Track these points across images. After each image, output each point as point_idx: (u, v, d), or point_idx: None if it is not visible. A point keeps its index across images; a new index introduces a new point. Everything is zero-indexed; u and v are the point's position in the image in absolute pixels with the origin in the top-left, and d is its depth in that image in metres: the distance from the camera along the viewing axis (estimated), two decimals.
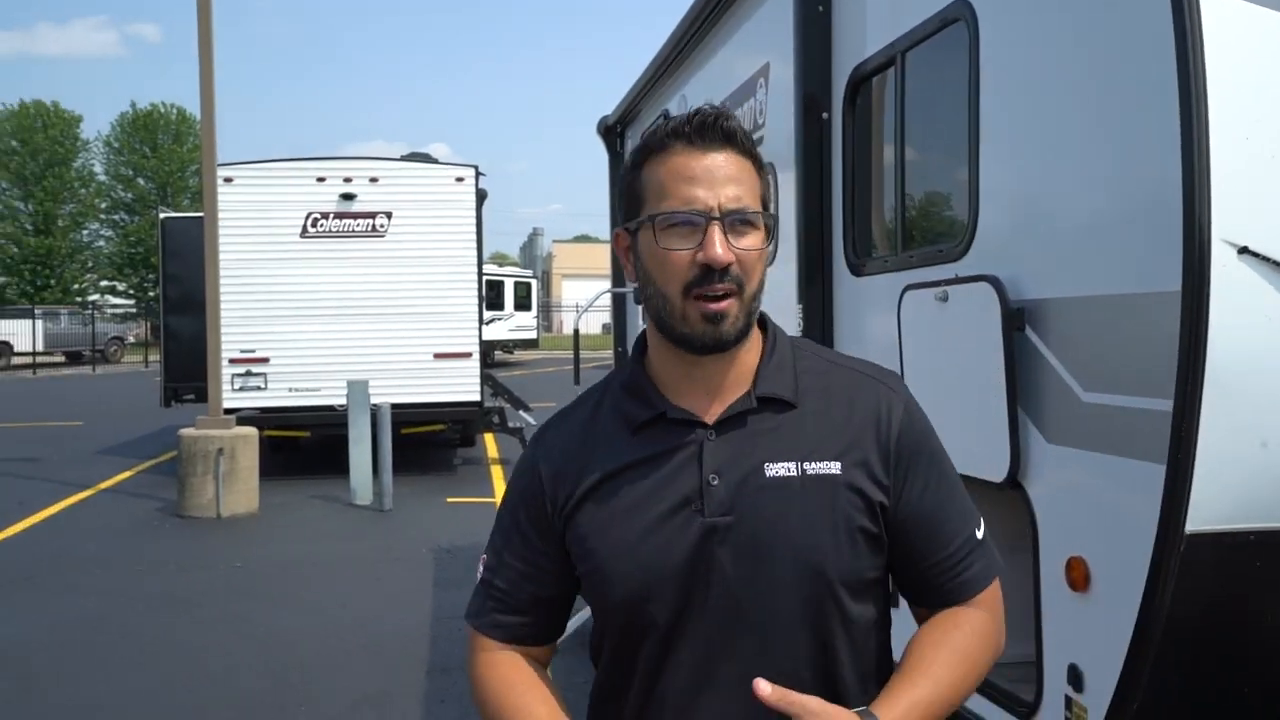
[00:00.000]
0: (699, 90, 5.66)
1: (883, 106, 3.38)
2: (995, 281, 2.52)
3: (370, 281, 11.85)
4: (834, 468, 1.37)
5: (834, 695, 1.32)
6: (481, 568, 1.50)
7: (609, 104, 7.55)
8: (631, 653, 1.40)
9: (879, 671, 1.41)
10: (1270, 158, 1.98)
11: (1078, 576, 2.30)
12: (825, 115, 3.68)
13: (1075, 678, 2.32)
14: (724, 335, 1.34)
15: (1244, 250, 1.94)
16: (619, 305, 7.68)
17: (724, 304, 1.32)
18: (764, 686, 1.23)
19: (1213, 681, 2.19)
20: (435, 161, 13.14)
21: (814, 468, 1.36)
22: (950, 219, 2.95)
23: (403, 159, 13.15)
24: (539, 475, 1.44)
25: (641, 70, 6.64)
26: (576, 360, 7.07)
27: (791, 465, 1.36)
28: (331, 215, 11.97)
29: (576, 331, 7.18)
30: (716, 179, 1.33)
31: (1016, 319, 2.47)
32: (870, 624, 1.40)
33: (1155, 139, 2.05)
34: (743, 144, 1.36)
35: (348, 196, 11.97)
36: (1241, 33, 1.97)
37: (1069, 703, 2.34)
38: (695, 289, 1.32)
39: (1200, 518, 1.99)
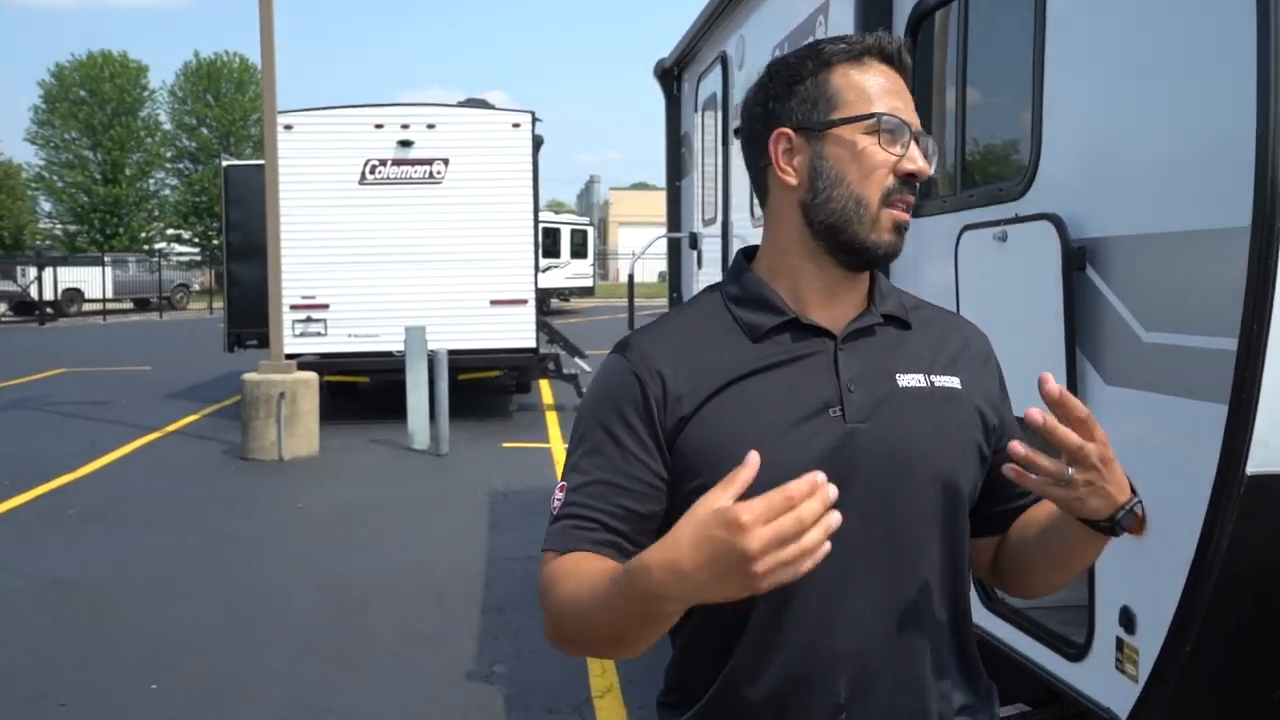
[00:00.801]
0: (758, 31, 5.57)
1: (944, 43, 3.29)
2: (1056, 220, 2.46)
3: (427, 228, 11.91)
4: (956, 383, 1.40)
5: (960, 607, 1.40)
6: (560, 495, 1.36)
7: (667, 48, 7.47)
8: None
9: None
10: None
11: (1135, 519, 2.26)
12: None
13: (1127, 620, 2.29)
14: (900, 247, 1.36)
15: None
16: (674, 252, 7.64)
17: (909, 217, 1.36)
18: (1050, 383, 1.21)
19: (1268, 624, 2.15)
20: (492, 108, 13.13)
21: (941, 381, 1.39)
22: (1011, 158, 2.88)
23: (459, 105, 13.15)
24: (642, 382, 1.34)
25: (699, 11, 6.54)
26: (631, 307, 7.07)
27: (921, 377, 1.38)
28: (389, 162, 12.03)
29: (631, 278, 7.18)
30: (908, 100, 1.37)
31: (1077, 258, 2.41)
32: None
33: (1228, 73, 1.98)
34: (909, 72, 1.40)
35: (405, 143, 12.02)
36: None
37: (1120, 644, 2.32)
38: (894, 196, 1.34)
39: (1262, 459, 1.95)
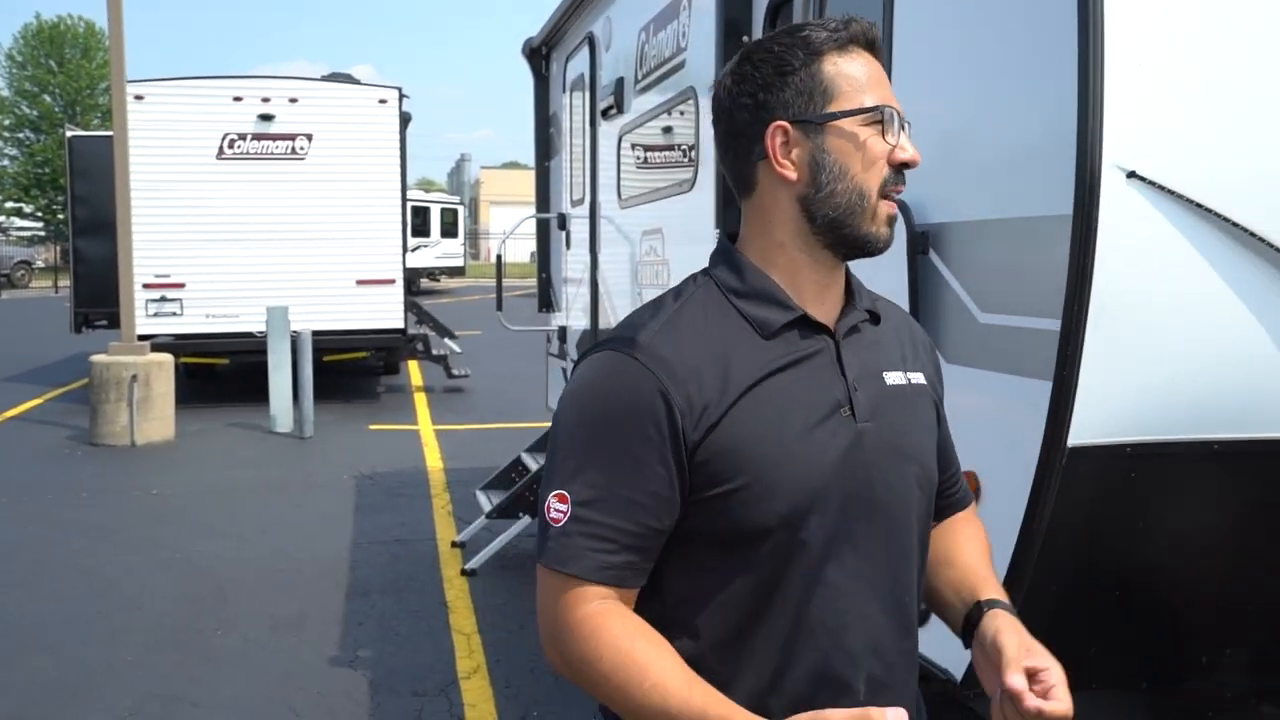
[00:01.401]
0: (625, 12, 5.59)
1: None
2: (902, 205, 2.56)
3: (290, 205, 11.59)
4: (922, 378, 1.46)
5: (916, 592, 1.44)
6: (563, 506, 1.27)
7: (538, 27, 7.42)
8: (778, 571, 1.30)
9: None
10: (1160, 86, 2.04)
11: (970, 489, 2.39)
12: (746, 38, 3.67)
13: None
14: (892, 239, 1.38)
15: (1132, 174, 2.01)
16: (543, 232, 7.63)
17: (896, 208, 1.38)
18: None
19: (1090, 585, 2.31)
20: (358, 83, 12.82)
21: (914, 378, 1.44)
22: None
23: (324, 79, 12.79)
24: (661, 389, 1.26)
25: None
26: (499, 287, 7.04)
27: (901, 374, 1.42)
28: (249, 136, 11.65)
29: (500, 259, 7.15)
30: (889, 88, 1.35)
31: (921, 242, 2.52)
32: None
33: (1053, 67, 2.09)
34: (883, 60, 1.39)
35: (266, 117, 11.65)
36: None
37: None
38: (888, 187, 1.34)
39: (1082, 432, 2.08)
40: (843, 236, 1.34)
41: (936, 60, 2.59)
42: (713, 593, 1.31)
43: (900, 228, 2.54)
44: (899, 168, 1.34)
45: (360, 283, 11.80)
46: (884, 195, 1.34)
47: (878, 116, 1.32)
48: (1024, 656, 1.30)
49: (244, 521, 7.12)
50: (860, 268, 2.83)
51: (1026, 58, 2.25)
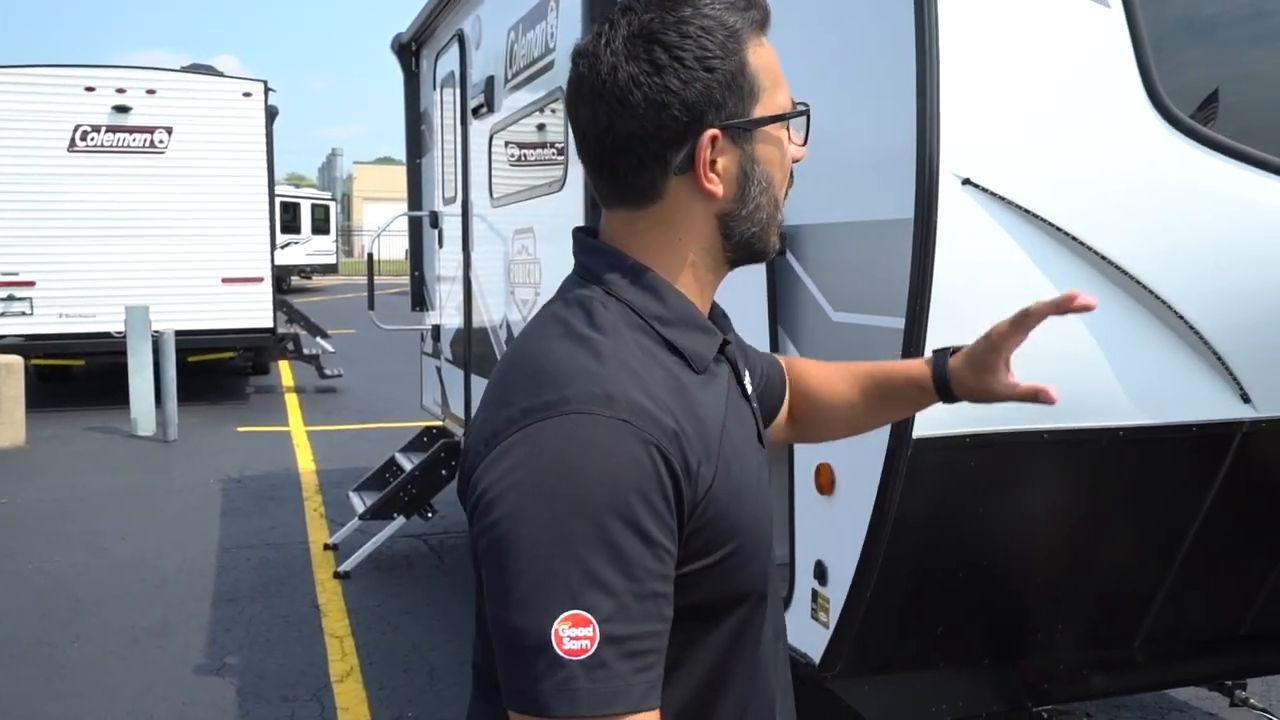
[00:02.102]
0: (494, 11, 5.59)
1: None
2: None
3: (150, 201, 11.18)
4: (749, 382, 1.32)
5: None
6: (585, 630, 0.94)
7: (409, 21, 7.33)
8: (740, 634, 1.13)
9: None
10: (991, 100, 2.17)
11: (824, 481, 2.51)
12: None
13: (820, 572, 2.54)
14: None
15: (966, 181, 2.14)
16: (415, 230, 7.55)
17: None
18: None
19: (936, 568, 2.45)
20: (220, 74, 12.43)
21: (749, 383, 1.30)
22: None
23: (184, 70, 12.35)
24: (665, 454, 1.00)
25: None
26: (371, 285, 6.95)
27: (750, 385, 1.29)
28: (104, 129, 11.18)
29: (371, 257, 7.05)
30: None
31: (779, 243, 2.62)
32: None
33: (893, 75, 2.21)
34: None
35: (122, 109, 11.21)
36: None
37: (815, 595, 2.56)
38: (787, 191, 1.21)
39: (925, 424, 2.21)
40: (754, 252, 1.19)
41: (789, 69, 2.69)
42: (674, 667, 1.06)
43: None
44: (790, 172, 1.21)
45: (226, 280, 11.47)
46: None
47: (806, 119, 1.19)
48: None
49: (103, 530, 6.85)
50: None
51: (871, 72, 2.37)
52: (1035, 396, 1.42)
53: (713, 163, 1.11)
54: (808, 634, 2.60)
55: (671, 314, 1.13)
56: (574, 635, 0.93)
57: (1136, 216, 2.27)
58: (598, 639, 0.94)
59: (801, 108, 1.18)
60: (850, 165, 2.45)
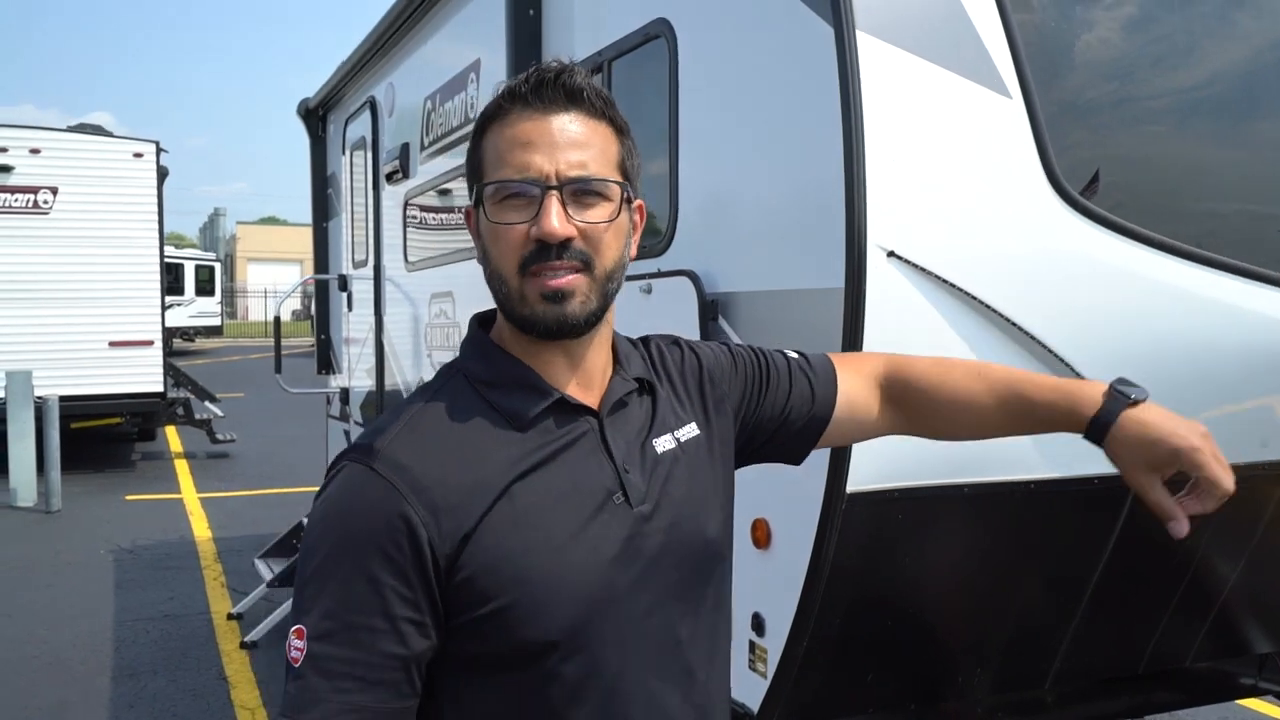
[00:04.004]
0: (408, 79, 5.69)
1: None
2: (693, 276, 2.81)
3: (32, 263, 10.83)
4: (695, 429, 1.37)
5: (722, 641, 1.40)
6: (300, 642, 1.12)
7: (299, 77, 7.38)
8: (571, 683, 1.19)
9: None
10: (912, 176, 2.37)
11: (761, 535, 2.63)
12: None
13: (758, 624, 2.64)
14: (570, 315, 1.21)
15: (891, 254, 2.32)
16: (322, 293, 7.51)
17: (566, 279, 1.20)
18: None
19: (866, 617, 2.58)
20: (109, 134, 12.16)
21: (685, 435, 1.35)
22: (653, 218, 3.23)
23: (71, 130, 12.05)
24: (406, 509, 1.13)
25: (346, 52, 6.54)
26: (278, 348, 6.87)
27: (669, 438, 1.33)
28: None
29: (277, 319, 6.97)
30: (557, 143, 1.20)
31: (711, 310, 2.76)
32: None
33: (822, 157, 2.39)
34: (592, 103, 1.23)
35: (3, 168, 10.86)
36: (892, 73, 2.34)
37: (752, 646, 2.66)
38: (532, 265, 1.20)
39: (858, 479, 2.36)
40: (514, 321, 1.24)
41: (720, 141, 2.86)
42: (503, 716, 1.19)
43: (692, 295, 2.80)
44: (541, 244, 1.19)
45: (114, 344, 11.12)
46: (530, 273, 1.20)
47: (501, 192, 1.20)
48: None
49: None
50: (655, 332, 3.05)
51: (801, 149, 2.55)
52: (1164, 517, 1.39)
53: (476, 234, 1.27)
54: (746, 684, 2.69)
55: (496, 375, 1.25)
56: (295, 647, 1.13)
57: (1040, 286, 2.48)
58: (305, 653, 1.11)
59: (487, 185, 1.22)
60: (781, 236, 2.61)
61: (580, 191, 1.21)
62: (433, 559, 1.13)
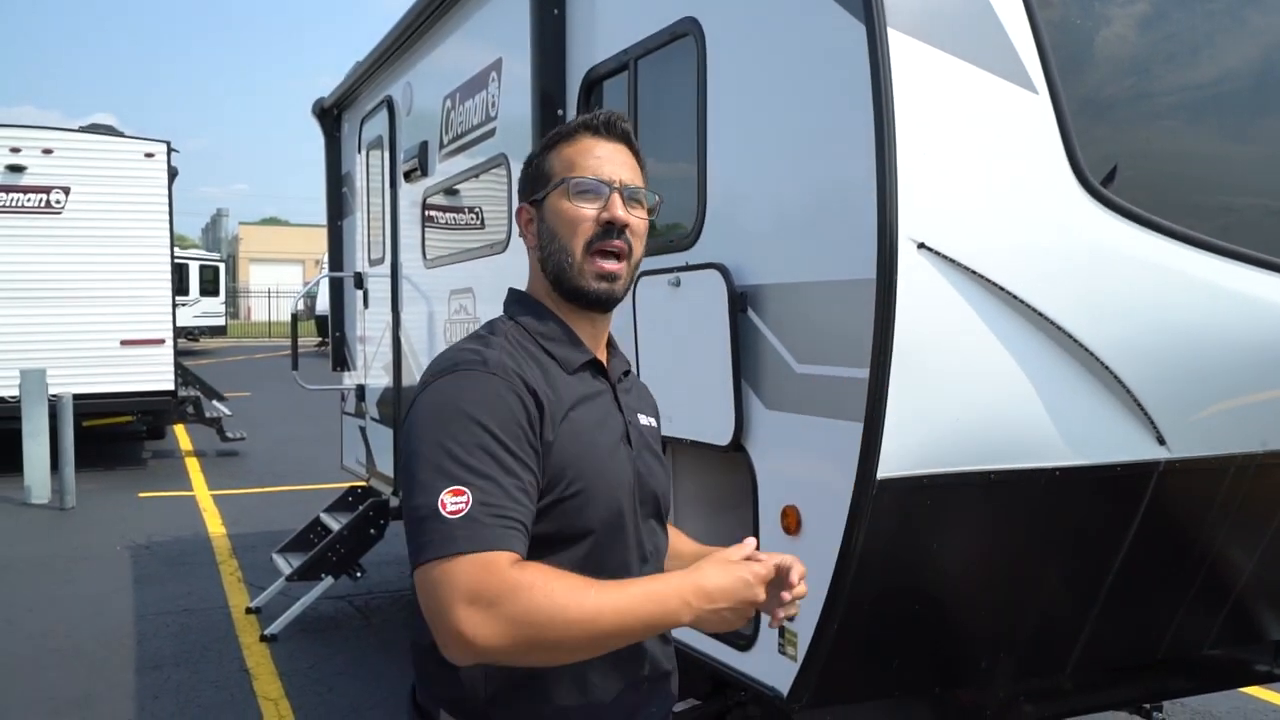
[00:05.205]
0: (426, 79, 5.75)
1: (617, 107, 3.66)
2: (722, 269, 2.87)
3: (46, 262, 10.88)
4: (655, 423, 1.81)
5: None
6: (460, 499, 1.39)
7: (300, 79, 7.44)
8: (587, 557, 1.54)
9: None
10: (941, 170, 2.42)
11: (791, 522, 2.69)
12: (560, 112, 3.92)
13: None
14: (615, 294, 1.63)
15: (921, 246, 2.38)
16: (336, 291, 7.57)
17: (617, 265, 1.63)
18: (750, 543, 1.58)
19: (893, 603, 2.64)
20: (120, 134, 12.22)
21: (654, 422, 1.80)
22: (681, 211, 3.28)
23: (82, 130, 12.11)
24: (526, 394, 1.49)
25: (348, 53, 6.60)
26: (295, 345, 6.93)
27: (649, 419, 1.77)
28: None
29: (294, 317, 7.04)
30: (616, 161, 1.65)
31: (740, 302, 2.82)
32: None
33: (853, 151, 2.45)
34: (634, 144, 1.70)
35: (15, 169, 10.93)
36: (922, 70, 2.40)
37: (781, 631, 2.72)
38: (597, 244, 1.60)
39: (888, 466, 2.41)
40: (565, 290, 1.63)
41: (749, 138, 2.92)
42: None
43: (721, 288, 2.86)
44: (606, 226, 1.61)
45: (125, 343, 11.19)
46: (591, 253, 1.61)
47: (568, 188, 1.61)
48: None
49: (5, 601, 6.59)
50: (685, 326, 3.11)
51: (831, 143, 2.60)
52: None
53: (530, 226, 1.67)
54: (776, 668, 2.75)
55: (548, 331, 1.64)
56: (454, 503, 1.39)
57: (1066, 278, 2.54)
58: (470, 504, 1.39)
59: (564, 183, 1.62)
60: (812, 228, 2.67)
61: (630, 196, 1.65)
62: (541, 439, 1.49)
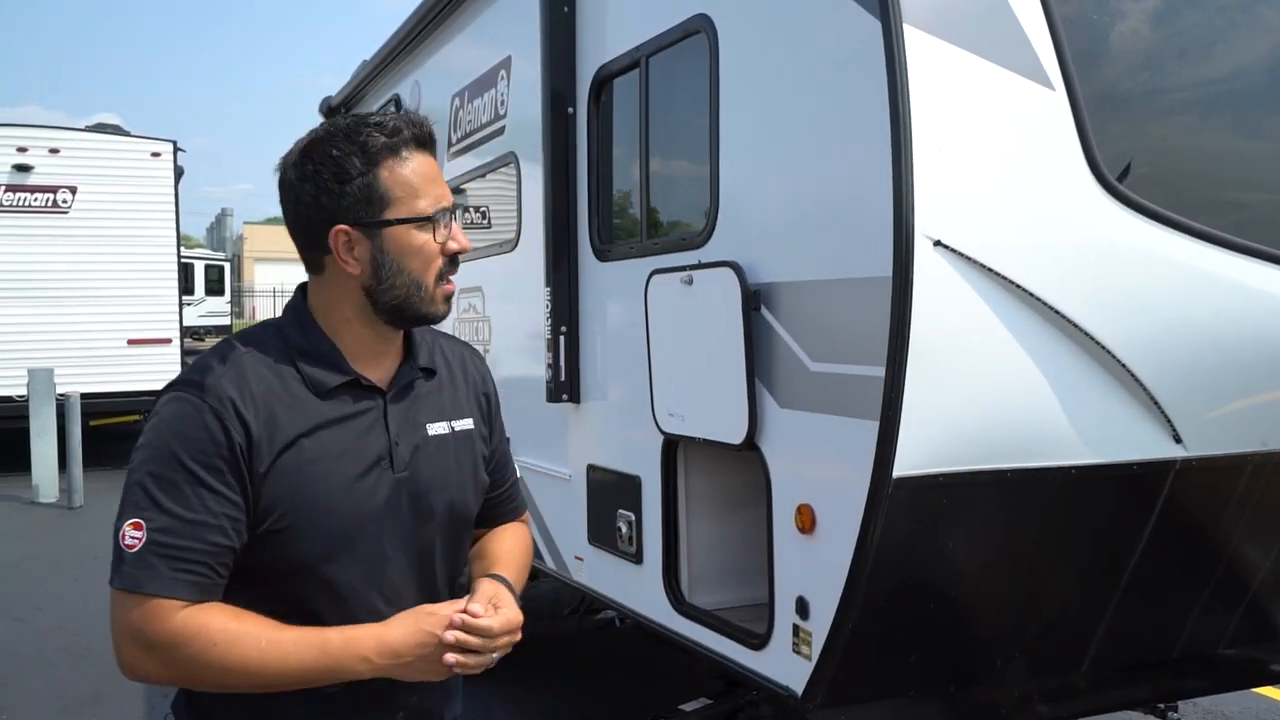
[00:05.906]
0: (434, 78, 5.74)
1: (628, 105, 3.66)
2: (736, 267, 2.86)
3: (53, 262, 10.90)
4: (469, 424, 1.71)
5: (450, 594, 1.68)
6: (138, 533, 1.42)
7: (301, 79, 7.43)
8: (317, 601, 1.52)
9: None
10: (958, 167, 2.41)
11: (805, 521, 2.68)
12: (571, 110, 3.91)
13: (802, 608, 2.69)
14: (449, 310, 1.62)
15: (938, 243, 2.36)
16: None
17: (453, 285, 1.62)
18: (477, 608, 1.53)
19: (909, 601, 2.63)
20: (127, 134, 12.23)
21: (458, 424, 1.69)
22: (693, 210, 3.27)
23: (89, 130, 12.13)
24: (224, 423, 1.45)
25: (350, 54, 6.60)
26: None
27: (444, 425, 1.66)
28: (3, 188, 10.89)
29: None
30: (440, 178, 1.58)
31: (754, 300, 2.81)
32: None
33: (869, 148, 2.43)
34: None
35: (22, 168, 10.93)
36: (938, 67, 2.39)
37: (796, 630, 2.71)
38: (445, 273, 1.57)
39: (904, 464, 2.40)
40: (406, 318, 1.58)
41: (762, 135, 2.91)
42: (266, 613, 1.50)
43: (734, 286, 2.84)
44: (453, 256, 1.57)
45: (132, 342, 11.21)
46: (441, 280, 1.57)
47: (432, 224, 1.54)
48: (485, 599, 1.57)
49: (14, 600, 6.59)
50: (698, 324, 3.09)
51: (847, 140, 2.59)
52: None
53: (351, 250, 1.53)
54: (790, 667, 2.74)
55: (310, 347, 1.56)
56: (131, 536, 1.42)
57: (1082, 274, 2.53)
58: (144, 541, 1.41)
59: (429, 218, 1.54)
60: (826, 226, 2.66)
61: (456, 219, 1.61)
62: (249, 471, 1.46)
